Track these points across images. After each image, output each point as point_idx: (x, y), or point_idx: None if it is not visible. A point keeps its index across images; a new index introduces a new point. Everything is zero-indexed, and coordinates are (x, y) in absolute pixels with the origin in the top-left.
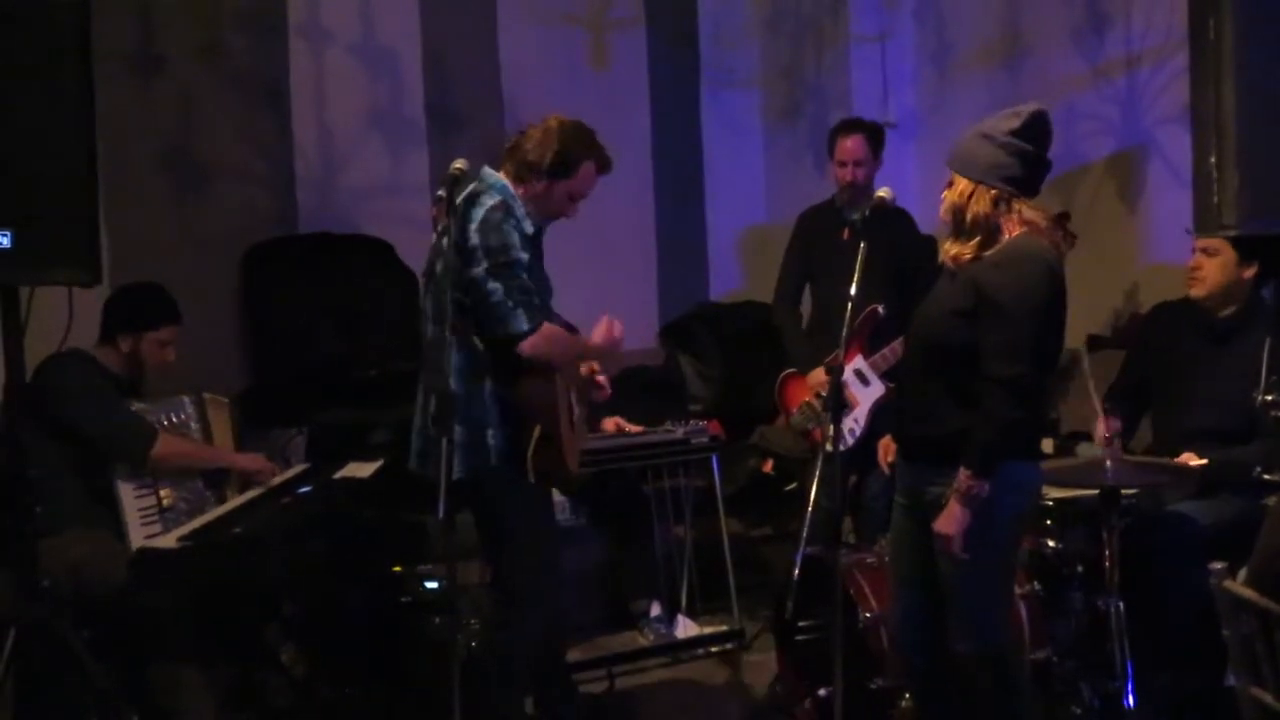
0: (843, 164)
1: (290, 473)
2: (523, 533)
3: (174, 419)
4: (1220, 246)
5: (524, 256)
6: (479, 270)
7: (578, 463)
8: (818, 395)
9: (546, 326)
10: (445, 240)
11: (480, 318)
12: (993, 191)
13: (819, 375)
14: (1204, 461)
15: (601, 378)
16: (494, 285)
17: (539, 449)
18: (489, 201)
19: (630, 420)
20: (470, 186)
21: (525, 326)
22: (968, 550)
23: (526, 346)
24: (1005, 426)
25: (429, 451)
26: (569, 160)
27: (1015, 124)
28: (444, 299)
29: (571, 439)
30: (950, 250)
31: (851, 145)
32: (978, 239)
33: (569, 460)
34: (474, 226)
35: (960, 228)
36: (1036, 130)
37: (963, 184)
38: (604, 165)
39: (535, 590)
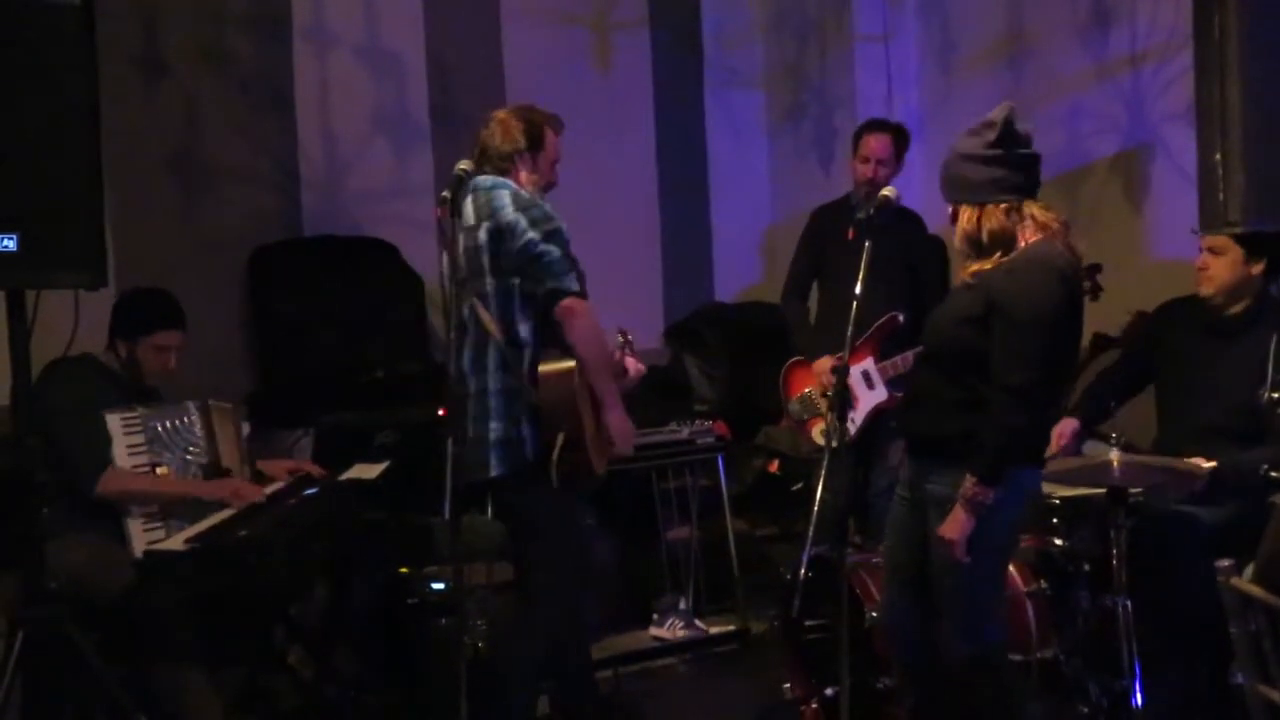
0: (865, 160)
1: (277, 485)
2: (550, 532)
3: (179, 425)
4: (1226, 245)
5: (563, 227)
6: (527, 232)
7: (604, 463)
8: (824, 395)
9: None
10: (480, 239)
11: (529, 274)
12: (1002, 205)
13: (824, 363)
14: (1213, 464)
15: (630, 359)
16: (548, 246)
17: (564, 455)
18: (504, 190)
19: (636, 422)
20: (471, 197)
21: (575, 287)
22: (965, 553)
23: (569, 303)
24: (1013, 434)
25: (469, 455)
26: (537, 132)
27: (991, 136)
28: (483, 299)
29: (597, 440)
30: (971, 268)
31: (877, 144)
32: (998, 253)
33: (595, 462)
34: (507, 209)
35: (979, 249)
36: (1012, 133)
37: (968, 210)
38: (557, 126)
39: (555, 591)
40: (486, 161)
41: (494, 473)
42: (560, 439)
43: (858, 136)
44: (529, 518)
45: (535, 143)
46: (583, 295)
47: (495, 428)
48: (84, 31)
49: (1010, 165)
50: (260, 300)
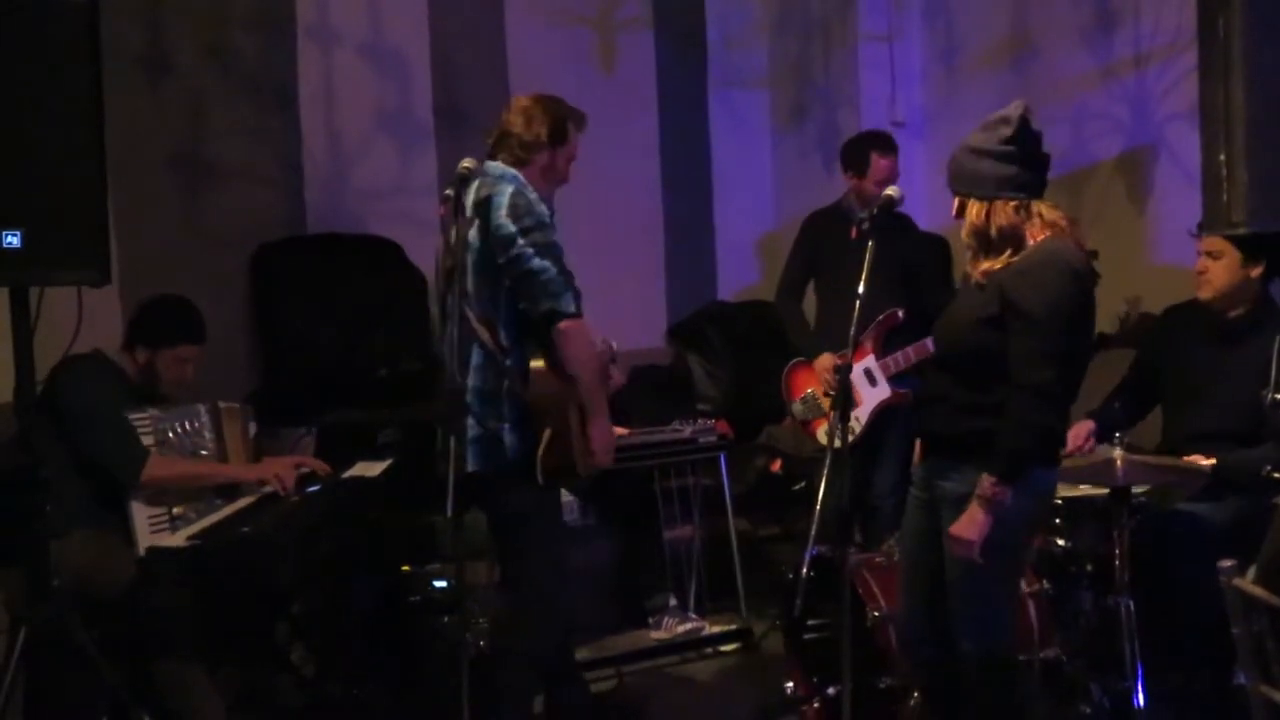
0: (880, 183)
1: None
2: (536, 533)
3: (189, 427)
4: (1224, 248)
5: (558, 239)
6: (523, 247)
7: (587, 467)
8: (826, 394)
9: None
10: (469, 235)
11: (525, 291)
12: (1011, 202)
13: (826, 360)
14: (1212, 460)
15: (613, 367)
16: (543, 262)
17: (549, 449)
18: (508, 189)
19: (639, 420)
20: (476, 184)
21: (572, 309)
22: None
23: (566, 326)
24: (1034, 432)
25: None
26: (561, 126)
27: (1007, 132)
28: (465, 297)
29: (581, 441)
30: (981, 266)
31: (888, 166)
32: (1007, 251)
33: (578, 461)
34: (503, 213)
35: (987, 246)
36: (1026, 131)
37: (976, 205)
38: (580, 123)
39: (547, 592)
40: (503, 149)
41: (471, 468)
42: (547, 434)
43: (863, 155)
44: (510, 515)
45: (558, 137)
46: (578, 315)
47: (472, 425)
48: (88, 29)
49: (1023, 163)
50: (263, 298)
